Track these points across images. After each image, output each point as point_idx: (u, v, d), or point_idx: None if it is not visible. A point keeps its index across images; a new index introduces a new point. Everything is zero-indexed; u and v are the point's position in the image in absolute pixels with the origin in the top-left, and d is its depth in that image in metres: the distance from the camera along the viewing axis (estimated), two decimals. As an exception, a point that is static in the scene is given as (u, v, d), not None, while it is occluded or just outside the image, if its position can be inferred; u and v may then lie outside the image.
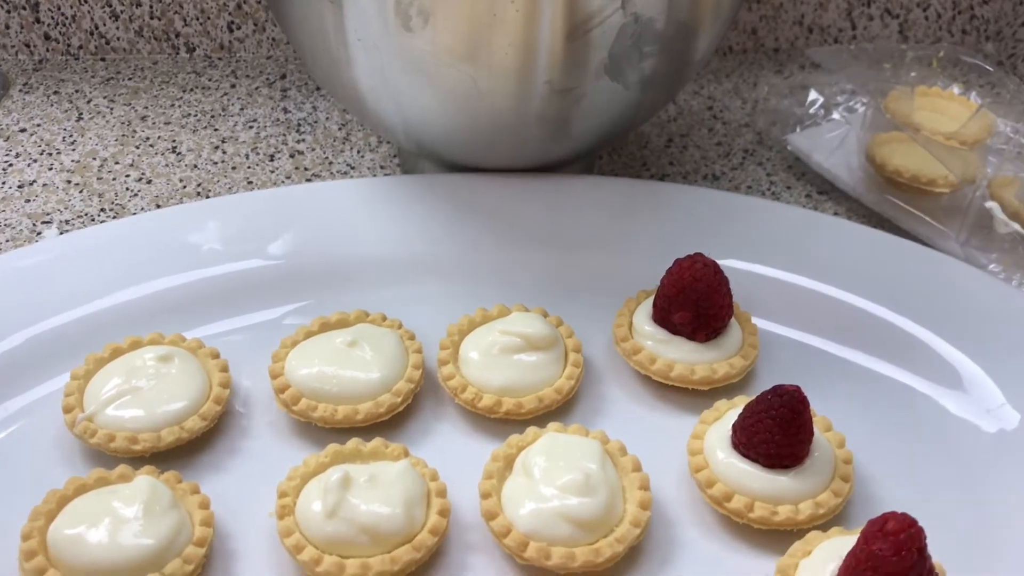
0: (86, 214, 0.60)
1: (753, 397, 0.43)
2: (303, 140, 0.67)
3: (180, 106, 0.70)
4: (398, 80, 0.49)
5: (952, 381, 0.47)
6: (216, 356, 0.47)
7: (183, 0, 0.73)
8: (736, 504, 0.41)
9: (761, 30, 0.77)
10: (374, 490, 0.40)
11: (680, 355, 0.46)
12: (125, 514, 0.39)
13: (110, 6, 0.73)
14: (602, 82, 0.49)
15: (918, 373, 0.47)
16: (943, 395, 0.47)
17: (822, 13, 0.76)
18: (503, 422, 0.45)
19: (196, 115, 0.69)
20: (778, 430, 0.40)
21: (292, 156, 0.66)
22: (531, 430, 0.44)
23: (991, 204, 0.56)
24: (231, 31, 0.75)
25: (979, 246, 0.56)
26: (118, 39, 0.74)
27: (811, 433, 0.41)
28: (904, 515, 0.35)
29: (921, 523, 0.35)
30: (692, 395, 0.47)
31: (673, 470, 0.43)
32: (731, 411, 0.43)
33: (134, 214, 0.60)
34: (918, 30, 0.78)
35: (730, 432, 0.42)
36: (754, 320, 0.49)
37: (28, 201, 0.61)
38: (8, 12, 0.72)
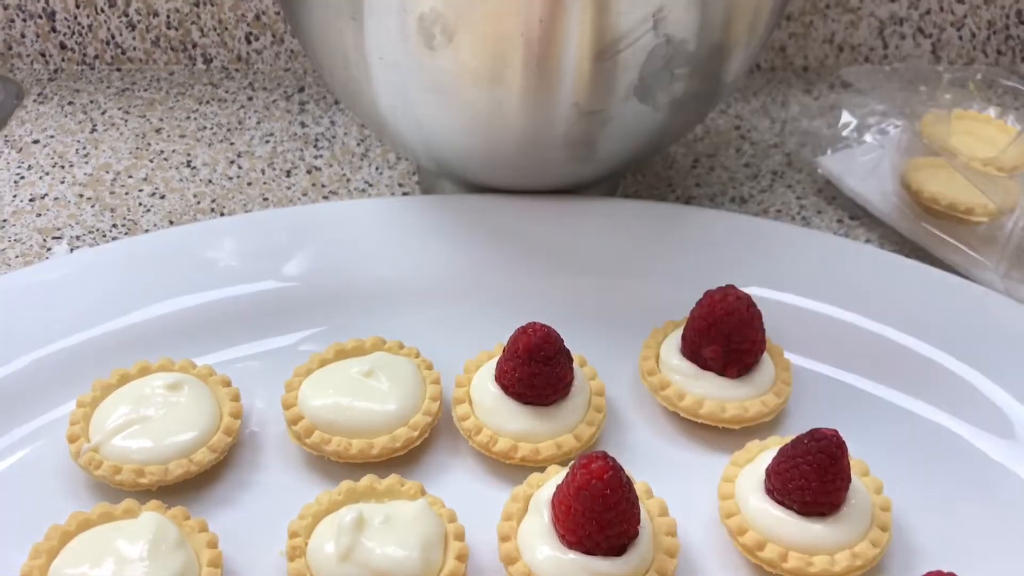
0: (97, 229, 0.59)
1: (786, 438, 0.41)
2: (320, 156, 0.65)
3: (196, 119, 0.69)
4: (419, 99, 0.48)
5: (996, 424, 0.45)
6: (228, 384, 0.45)
7: (201, 10, 0.71)
8: (769, 554, 0.39)
9: (790, 48, 0.75)
10: (389, 532, 0.38)
11: (710, 391, 0.45)
12: (129, 553, 0.37)
13: (127, 16, 0.71)
14: (631, 104, 0.47)
15: (959, 415, 0.45)
16: (986, 439, 0.44)
17: (853, 31, 0.74)
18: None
19: (212, 128, 0.68)
20: (814, 476, 0.38)
21: (309, 172, 0.64)
22: (552, 468, 0.42)
23: (1033, 235, 0.54)
24: (249, 42, 0.73)
25: (1020, 278, 0.53)
26: (134, 49, 0.73)
27: (848, 480, 0.39)
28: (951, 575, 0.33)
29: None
30: (722, 433, 0.45)
31: (702, 515, 0.41)
32: (763, 453, 0.41)
33: (147, 230, 0.59)
34: (951, 50, 0.76)
35: (763, 476, 0.40)
36: (786, 355, 0.47)
37: (39, 215, 0.60)
38: (24, 21, 0.71)
